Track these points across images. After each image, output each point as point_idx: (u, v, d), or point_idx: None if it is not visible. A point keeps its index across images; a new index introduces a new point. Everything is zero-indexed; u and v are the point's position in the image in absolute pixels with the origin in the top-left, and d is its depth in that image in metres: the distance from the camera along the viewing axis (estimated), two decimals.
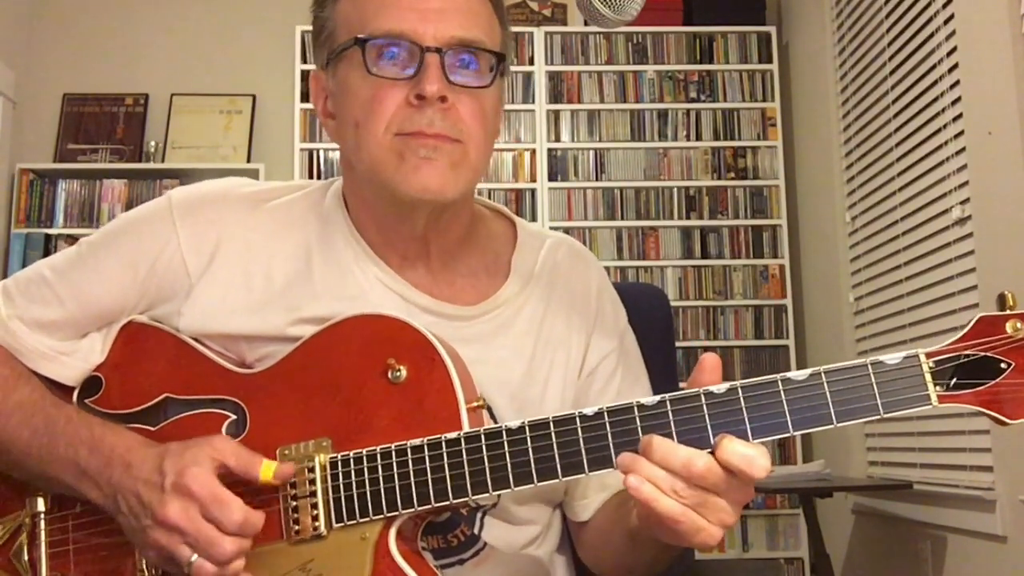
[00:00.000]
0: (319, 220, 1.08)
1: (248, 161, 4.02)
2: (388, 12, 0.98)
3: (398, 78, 0.97)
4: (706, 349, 3.82)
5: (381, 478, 0.90)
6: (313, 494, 0.92)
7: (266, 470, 0.90)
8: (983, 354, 0.81)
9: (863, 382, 0.82)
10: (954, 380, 0.81)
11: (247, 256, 1.04)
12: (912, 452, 2.98)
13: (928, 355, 0.82)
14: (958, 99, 2.63)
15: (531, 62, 4.02)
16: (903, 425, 3.03)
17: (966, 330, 0.82)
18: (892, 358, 0.82)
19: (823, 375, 0.82)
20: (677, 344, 2.92)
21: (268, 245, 1.05)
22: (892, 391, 0.81)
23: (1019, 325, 0.80)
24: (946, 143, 2.71)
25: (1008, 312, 0.81)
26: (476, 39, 0.99)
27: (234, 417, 0.98)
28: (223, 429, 0.97)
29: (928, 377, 0.81)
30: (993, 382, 0.80)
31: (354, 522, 0.91)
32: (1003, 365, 0.80)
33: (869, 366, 0.82)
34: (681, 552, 1.02)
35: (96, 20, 4.15)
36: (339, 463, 0.92)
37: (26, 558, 1.00)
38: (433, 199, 0.98)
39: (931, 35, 2.80)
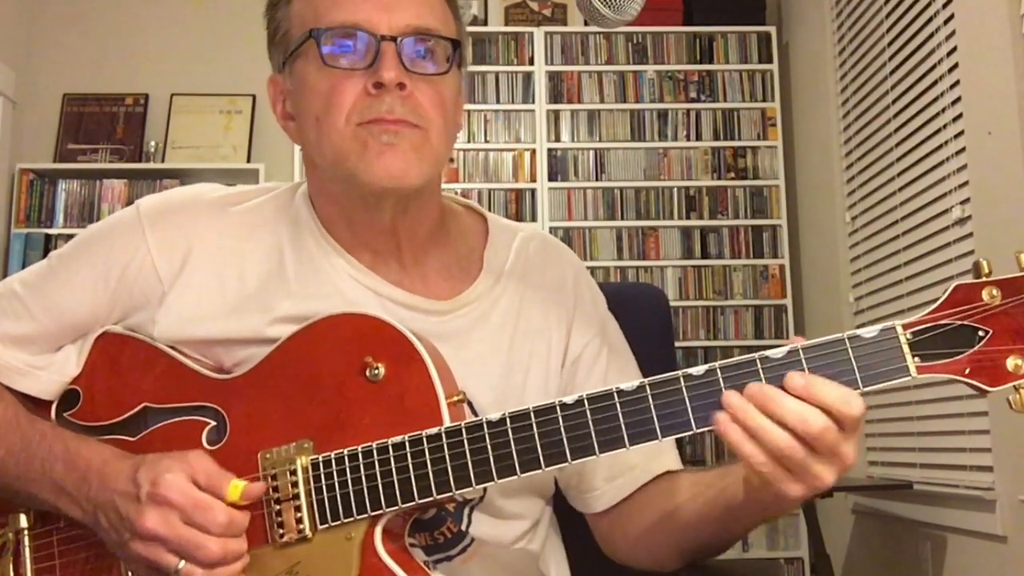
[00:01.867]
0: (289, 221, 1.08)
1: (248, 161, 4.01)
2: (341, 5, 0.99)
3: (355, 68, 0.98)
4: (706, 349, 3.83)
5: (364, 477, 0.90)
6: (296, 496, 0.91)
7: (233, 490, 0.89)
8: (960, 323, 0.80)
9: (841, 357, 0.81)
10: (932, 350, 0.80)
11: (219, 260, 1.04)
12: (912, 452, 2.97)
13: (905, 326, 0.81)
14: (958, 99, 2.62)
15: (531, 62, 4.02)
16: (903, 425, 3.02)
17: (942, 299, 0.81)
18: (869, 331, 0.81)
19: (800, 352, 0.82)
20: (677, 344, 2.92)
21: (239, 248, 1.05)
22: (870, 364, 0.81)
23: (995, 292, 0.80)
24: (946, 143, 2.71)
25: (984, 280, 0.80)
26: (431, 27, 1.00)
27: (214, 423, 0.97)
28: (203, 436, 0.96)
29: (906, 348, 0.81)
30: (972, 350, 0.80)
31: (339, 523, 0.90)
32: (980, 333, 0.80)
33: (847, 340, 0.81)
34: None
35: (96, 20, 4.15)
36: (321, 464, 0.91)
37: (12, 574, 0.99)
38: (397, 185, 0.98)
39: (931, 35, 2.80)
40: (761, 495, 0.86)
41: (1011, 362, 0.79)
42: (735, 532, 0.99)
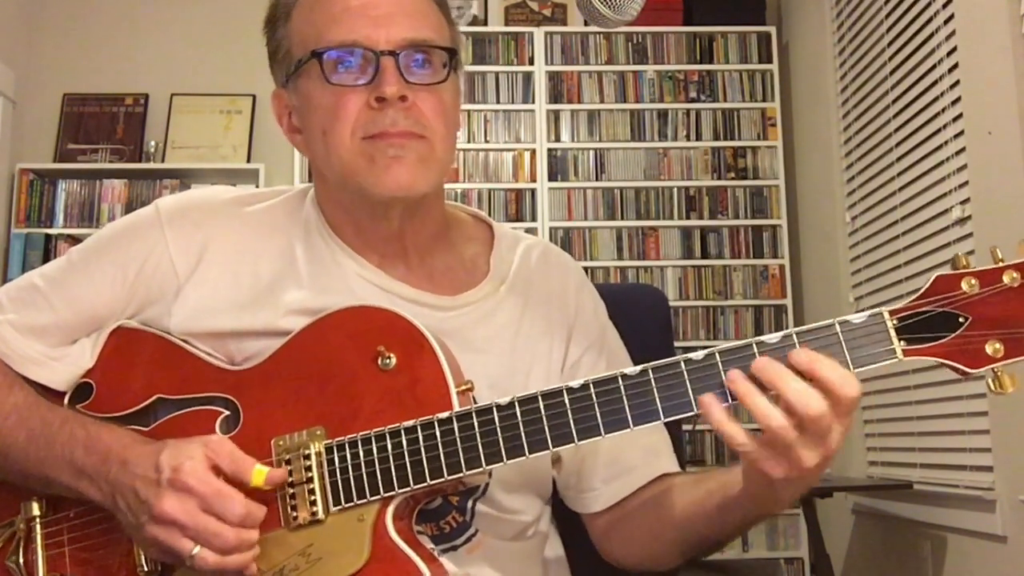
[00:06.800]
0: (300, 223, 1.11)
1: (248, 161, 4.02)
2: (340, 23, 1.02)
3: (357, 84, 1.01)
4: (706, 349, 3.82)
5: (376, 459, 0.92)
6: (310, 480, 0.93)
7: (258, 475, 0.92)
8: (942, 310, 0.85)
9: (832, 340, 0.85)
10: (917, 335, 0.85)
11: (234, 257, 1.07)
12: (912, 452, 2.97)
13: (892, 312, 0.86)
14: (958, 99, 2.63)
15: (531, 62, 4.02)
16: (903, 425, 3.03)
17: (924, 288, 0.86)
18: (858, 317, 0.86)
19: (794, 336, 0.86)
20: (677, 344, 2.91)
21: (253, 246, 1.08)
22: (860, 347, 0.85)
23: (973, 282, 0.85)
24: (946, 143, 2.71)
25: (963, 271, 0.86)
26: (427, 38, 1.04)
27: (227, 413, 0.99)
28: (216, 425, 0.99)
29: (892, 333, 0.85)
30: (953, 335, 0.84)
31: (351, 504, 0.93)
32: (961, 319, 0.85)
33: (837, 325, 0.86)
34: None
35: (96, 20, 4.15)
36: (335, 448, 0.94)
37: (21, 561, 1.00)
38: (406, 195, 1.03)
39: (931, 35, 2.80)
40: (755, 489, 0.90)
41: (990, 347, 0.84)
42: (728, 530, 1.01)
